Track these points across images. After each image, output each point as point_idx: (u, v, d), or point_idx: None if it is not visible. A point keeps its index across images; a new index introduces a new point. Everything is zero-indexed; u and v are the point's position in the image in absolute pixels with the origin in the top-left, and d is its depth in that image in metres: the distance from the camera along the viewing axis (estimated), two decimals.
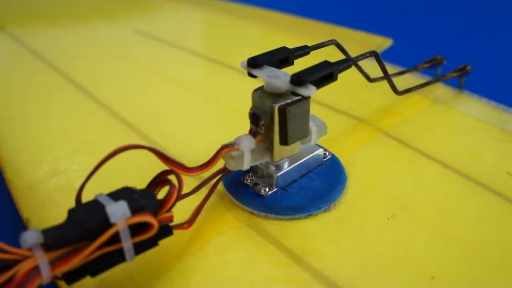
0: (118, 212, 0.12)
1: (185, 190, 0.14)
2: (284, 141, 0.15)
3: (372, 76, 0.21)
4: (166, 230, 0.14)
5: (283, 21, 0.38)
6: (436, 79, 0.23)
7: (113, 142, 0.21)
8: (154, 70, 0.29)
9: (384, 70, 0.19)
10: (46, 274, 0.11)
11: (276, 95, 0.15)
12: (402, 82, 0.24)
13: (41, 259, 0.11)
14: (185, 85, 0.27)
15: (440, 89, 0.24)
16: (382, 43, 0.31)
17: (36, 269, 0.11)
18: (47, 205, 0.17)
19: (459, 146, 0.20)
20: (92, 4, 0.47)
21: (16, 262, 0.11)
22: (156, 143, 0.20)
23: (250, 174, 0.17)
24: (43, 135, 0.22)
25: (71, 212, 0.12)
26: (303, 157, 0.17)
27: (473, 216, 0.16)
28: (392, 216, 0.16)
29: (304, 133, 0.16)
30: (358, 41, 0.32)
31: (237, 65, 0.28)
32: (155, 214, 0.13)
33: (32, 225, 0.16)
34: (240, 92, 0.22)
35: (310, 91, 0.14)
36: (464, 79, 0.24)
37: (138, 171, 0.16)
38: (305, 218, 0.16)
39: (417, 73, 0.26)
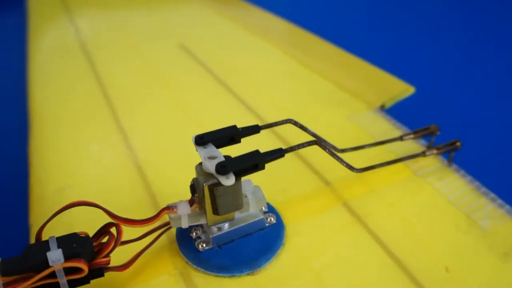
0: (55, 257, 0.16)
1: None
2: (215, 212, 0.18)
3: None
4: (98, 272, 0.17)
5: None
6: (412, 156, 0.23)
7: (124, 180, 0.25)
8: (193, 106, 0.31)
9: (331, 153, 0.20)
10: None
11: (211, 174, 0.17)
12: (396, 147, 0.25)
13: None
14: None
15: (428, 160, 0.24)
16: (403, 90, 0.31)
17: None
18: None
19: (411, 231, 0.20)
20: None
21: None
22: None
23: (197, 228, 0.20)
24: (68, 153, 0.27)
25: (26, 248, 0.16)
26: (244, 222, 0.20)
27: None
28: None
29: (237, 206, 0.18)
30: (379, 82, 0.32)
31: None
32: (90, 259, 0.17)
33: (32, 229, 0.21)
34: None
35: (229, 181, 0.17)
36: (453, 154, 0.24)
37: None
38: (229, 277, 0.18)
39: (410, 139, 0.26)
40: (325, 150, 0.20)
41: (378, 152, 0.25)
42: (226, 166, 0.17)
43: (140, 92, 0.33)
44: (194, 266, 0.19)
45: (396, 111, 0.30)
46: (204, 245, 0.19)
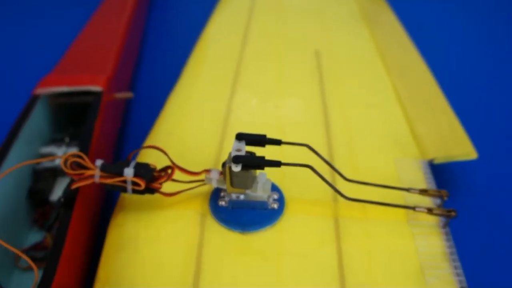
0: (128, 172, 0.27)
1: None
2: (230, 184, 0.27)
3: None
4: (151, 191, 0.28)
5: None
6: (405, 206, 0.28)
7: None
8: None
9: (322, 178, 0.27)
10: (96, 179, 0.27)
11: None
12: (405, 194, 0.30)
13: (96, 172, 0.27)
14: None
15: (426, 215, 0.29)
16: (465, 153, 0.34)
17: (93, 176, 0.27)
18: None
19: (368, 263, 0.26)
20: None
21: (88, 168, 0.27)
22: None
23: (225, 191, 0.29)
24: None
25: (118, 161, 0.28)
26: (253, 199, 0.28)
27: None
28: None
29: (246, 187, 0.27)
30: (449, 137, 0.35)
31: None
32: (148, 181, 0.27)
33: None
34: None
35: (236, 168, 0.25)
36: (449, 221, 0.28)
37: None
38: (227, 229, 0.27)
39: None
40: (316, 174, 0.26)
41: (386, 192, 0.30)
42: (238, 158, 0.25)
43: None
44: (211, 214, 0.28)
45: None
46: (223, 203, 0.28)
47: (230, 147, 0.28)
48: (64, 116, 0.41)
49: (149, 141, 0.35)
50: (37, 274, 0.24)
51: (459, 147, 0.35)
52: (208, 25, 0.53)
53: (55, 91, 0.37)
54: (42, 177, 0.36)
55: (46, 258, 0.32)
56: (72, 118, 0.41)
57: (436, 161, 0.34)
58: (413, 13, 0.68)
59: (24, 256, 0.24)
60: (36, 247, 0.33)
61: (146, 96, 0.49)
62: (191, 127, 0.36)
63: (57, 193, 0.35)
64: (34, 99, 0.37)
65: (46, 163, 0.36)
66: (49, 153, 0.37)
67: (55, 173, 0.36)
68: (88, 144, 0.32)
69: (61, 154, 0.37)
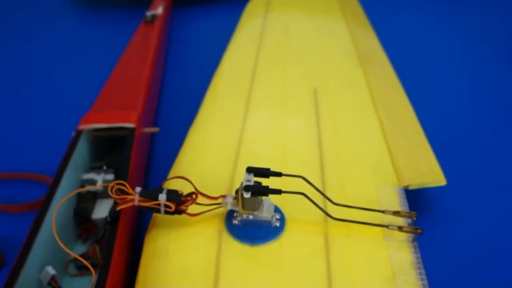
0: (161, 198, 0.34)
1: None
2: (242, 208, 0.34)
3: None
4: (179, 212, 0.35)
5: None
6: (382, 225, 0.35)
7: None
8: None
9: (314, 203, 0.34)
10: (136, 202, 0.35)
11: None
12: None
13: (136, 197, 0.35)
14: None
15: (399, 233, 0.36)
16: (436, 181, 0.41)
17: (134, 199, 0.35)
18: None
19: (350, 268, 0.33)
20: None
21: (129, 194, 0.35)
22: None
23: (237, 212, 0.36)
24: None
25: (153, 189, 0.35)
26: (260, 218, 0.35)
27: None
28: None
29: (254, 209, 0.34)
30: (424, 166, 0.42)
31: None
32: (177, 204, 0.35)
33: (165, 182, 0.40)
34: None
35: (247, 195, 0.32)
36: (416, 236, 0.35)
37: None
38: (239, 243, 0.34)
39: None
40: (309, 200, 0.34)
41: (366, 213, 0.37)
42: (248, 188, 0.33)
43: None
44: (226, 230, 0.35)
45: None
46: (236, 222, 0.35)
47: (241, 174, 0.35)
48: (99, 146, 0.48)
49: (174, 170, 0.42)
50: (94, 276, 0.31)
51: (431, 175, 0.42)
52: (220, 65, 0.61)
53: (95, 127, 0.45)
54: (84, 199, 0.43)
55: (93, 265, 0.39)
56: (106, 148, 0.48)
57: (411, 187, 0.41)
58: (401, 39, 0.77)
59: (86, 263, 0.31)
60: (83, 255, 0.40)
61: (165, 128, 0.56)
62: (209, 158, 0.43)
63: (97, 213, 0.42)
64: (78, 134, 0.44)
65: (92, 183, 0.43)
66: (90, 178, 0.44)
67: (95, 195, 0.43)
68: (126, 173, 0.39)
69: (100, 180, 0.44)
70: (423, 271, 0.33)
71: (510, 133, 0.56)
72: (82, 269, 0.39)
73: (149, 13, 0.70)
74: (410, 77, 0.62)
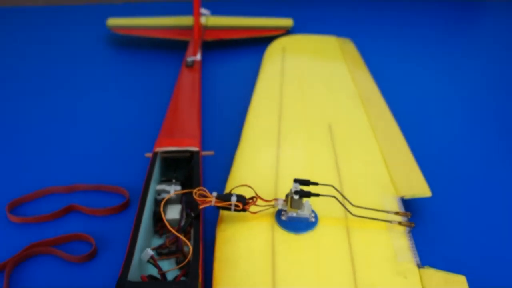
0: (233, 199, 0.48)
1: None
2: (290, 207, 0.48)
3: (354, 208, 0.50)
4: (244, 210, 0.49)
5: None
6: (386, 220, 0.50)
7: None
8: None
9: (340, 202, 0.49)
10: (213, 203, 0.49)
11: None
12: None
13: (213, 199, 0.49)
14: None
15: (399, 226, 0.50)
16: (423, 192, 0.56)
17: (211, 201, 0.49)
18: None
19: (366, 252, 0.48)
20: None
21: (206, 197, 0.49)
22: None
23: (285, 210, 0.50)
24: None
25: (225, 193, 0.49)
26: (301, 216, 0.49)
27: None
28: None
29: (299, 207, 0.48)
30: (414, 182, 0.57)
31: None
32: (243, 204, 0.49)
33: (226, 188, 0.54)
34: None
35: (296, 197, 0.47)
36: (411, 229, 0.50)
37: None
38: (287, 232, 0.49)
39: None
40: (337, 200, 0.48)
41: (376, 212, 0.52)
42: (297, 192, 0.47)
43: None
44: (277, 223, 0.50)
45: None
46: (284, 218, 0.50)
47: (281, 185, 0.49)
48: (165, 165, 0.62)
49: (230, 183, 0.57)
50: (191, 249, 0.45)
51: (420, 189, 0.57)
52: (252, 101, 0.76)
53: (167, 150, 0.59)
54: (159, 205, 0.57)
55: (168, 253, 0.52)
56: (171, 166, 0.62)
57: (405, 198, 0.56)
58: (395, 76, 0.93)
59: (188, 243, 0.45)
60: (161, 246, 0.53)
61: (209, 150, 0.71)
62: (256, 174, 0.58)
63: (169, 214, 0.56)
64: (155, 154, 0.59)
65: (162, 195, 0.57)
66: (162, 189, 0.58)
67: (167, 201, 0.57)
68: (198, 184, 0.54)
69: (172, 190, 0.58)
70: (416, 252, 0.48)
71: (484, 153, 0.73)
72: (162, 255, 0.53)
73: (189, 59, 0.85)
74: (401, 110, 0.78)
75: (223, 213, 0.52)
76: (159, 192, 0.58)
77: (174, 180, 0.60)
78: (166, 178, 0.61)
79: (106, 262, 0.54)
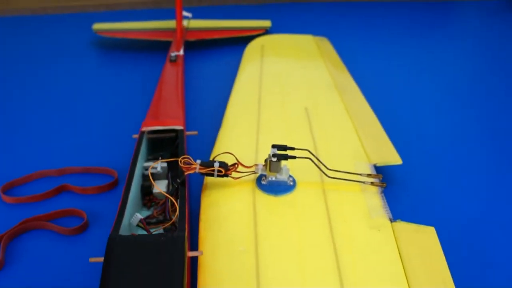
0: (216, 165, 0.52)
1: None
2: (269, 170, 0.52)
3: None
4: (226, 175, 0.53)
5: None
6: (362, 181, 0.54)
7: None
8: None
9: (318, 166, 0.52)
10: (197, 169, 0.52)
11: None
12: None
13: (197, 166, 0.52)
14: None
15: (372, 187, 0.54)
16: (394, 160, 0.60)
17: (195, 168, 0.52)
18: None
19: (341, 207, 0.51)
20: None
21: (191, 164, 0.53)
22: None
23: (265, 175, 0.54)
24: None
25: (209, 160, 0.53)
26: (280, 179, 0.53)
27: None
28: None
29: (277, 171, 0.52)
30: (385, 151, 0.61)
31: None
32: (225, 170, 0.52)
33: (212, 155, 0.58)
34: None
35: (274, 159, 0.51)
36: (382, 189, 0.54)
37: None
38: (266, 194, 0.52)
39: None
40: (315, 164, 0.52)
41: (350, 175, 0.55)
42: (275, 155, 0.51)
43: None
44: (258, 188, 0.53)
45: None
46: (264, 182, 0.53)
47: (261, 155, 0.53)
48: (151, 145, 0.66)
49: (214, 153, 0.60)
50: (177, 208, 0.48)
51: (391, 157, 0.61)
52: (233, 89, 0.80)
53: (153, 129, 0.63)
54: (147, 179, 0.60)
55: (157, 222, 0.55)
56: (155, 148, 0.66)
57: (378, 165, 0.60)
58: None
59: (174, 202, 0.49)
60: (149, 217, 0.56)
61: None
62: (238, 147, 0.61)
63: (156, 188, 0.59)
64: (141, 134, 0.62)
65: (150, 170, 0.60)
66: (149, 165, 0.61)
67: (154, 176, 0.60)
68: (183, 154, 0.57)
69: (158, 166, 0.61)
70: (388, 209, 0.52)
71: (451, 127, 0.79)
72: (151, 224, 0.55)
73: (173, 54, 0.89)
74: (375, 98, 0.82)
75: (207, 180, 0.56)
76: (146, 168, 0.61)
77: (160, 158, 0.63)
78: (152, 157, 0.64)
79: (97, 235, 0.57)
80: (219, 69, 1.04)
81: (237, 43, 1.15)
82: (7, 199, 0.61)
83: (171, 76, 0.81)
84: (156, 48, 1.15)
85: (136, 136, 0.64)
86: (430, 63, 1.09)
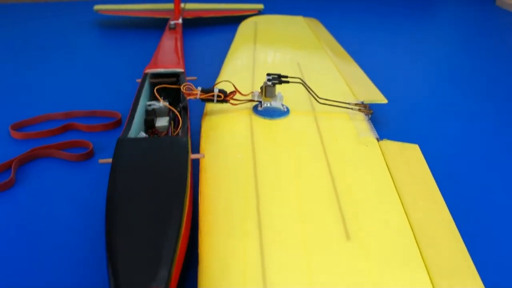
0: (216, 91, 0.56)
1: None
2: (264, 96, 0.56)
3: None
4: (225, 101, 0.57)
5: None
6: (350, 107, 0.58)
7: None
8: None
9: (309, 92, 0.57)
10: (198, 95, 0.56)
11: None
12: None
13: (198, 92, 0.57)
14: None
15: (360, 115, 0.59)
16: (380, 99, 0.65)
17: (197, 94, 0.57)
18: None
19: (331, 131, 0.56)
20: None
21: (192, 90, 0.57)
22: None
23: (261, 102, 0.58)
24: None
25: (210, 87, 0.57)
26: (275, 106, 0.57)
27: None
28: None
29: (272, 96, 0.56)
30: (371, 92, 0.66)
31: None
32: (225, 97, 0.57)
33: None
34: None
35: (269, 83, 0.55)
36: (370, 116, 0.58)
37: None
38: (262, 118, 0.56)
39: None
40: (306, 89, 0.57)
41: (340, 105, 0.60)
42: (270, 79, 0.55)
43: None
44: (254, 113, 0.57)
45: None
46: (259, 108, 0.58)
47: (257, 86, 0.58)
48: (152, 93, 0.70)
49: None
50: (180, 122, 0.52)
51: (377, 96, 0.66)
52: (229, 53, 0.85)
53: (156, 71, 0.67)
54: (150, 114, 0.64)
55: None
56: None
57: (364, 102, 0.64)
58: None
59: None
60: None
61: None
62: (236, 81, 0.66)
63: (158, 123, 0.63)
64: (145, 75, 0.66)
65: (152, 106, 0.64)
66: (152, 103, 0.65)
67: (155, 112, 0.64)
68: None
69: (160, 103, 0.65)
70: (375, 132, 0.56)
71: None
72: None
73: (172, 22, 0.95)
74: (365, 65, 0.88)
75: (207, 108, 0.60)
76: (149, 105, 0.65)
77: (162, 97, 0.67)
78: (155, 98, 0.68)
79: (101, 164, 0.60)
80: (214, 42, 1.08)
81: (231, 23, 1.20)
82: (15, 134, 0.65)
83: (171, 37, 0.86)
84: (155, 25, 1.21)
85: (139, 80, 0.68)
86: (412, 34, 1.16)
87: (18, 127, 0.68)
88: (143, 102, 0.63)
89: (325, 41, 0.98)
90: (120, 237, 0.35)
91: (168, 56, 0.74)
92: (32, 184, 0.56)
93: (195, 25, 1.22)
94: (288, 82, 0.57)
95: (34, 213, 0.50)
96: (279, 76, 0.57)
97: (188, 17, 1.18)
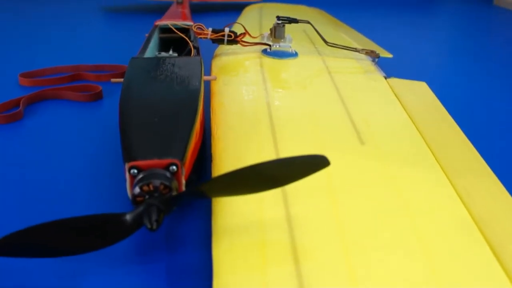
0: (226, 30, 0.57)
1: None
2: (274, 37, 0.57)
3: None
4: (236, 42, 0.57)
5: None
6: (357, 50, 0.59)
7: None
8: None
9: (319, 34, 0.58)
10: (208, 35, 0.57)
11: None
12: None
13: (209, 32, 0.57)
14: None
15: (367, 60, 0.60)
16: (387, 54, 0.66)
17: (207, 33, 0.57)
18: None
19: (344, 74, 0.56)
20: None
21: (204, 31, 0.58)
22: None
23: (268, 46, 0.59)
24: None
25: (221, 28, 0.58)
26: (284, 47, 0.58)
27: None
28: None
29: (281, 37, 0.57)
30: (368, 44, 0.67)
31: None
32: (235, 36, 0.57)
33: None
34: None
35: (278, 22, 0.56)
36: (376, 60, 0.59)
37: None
38: (271, 58, 0.57)
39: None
40: (316, 31, 0.58)
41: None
42: (279, 18, 0.56)
43: None
44: (263, 54, 0.58)
45: None
46: (269, 50, 0.58)
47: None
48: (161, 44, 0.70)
49: None
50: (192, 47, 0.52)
51: (382, 51, 0.67)
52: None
53: (166, 23, 0.68)
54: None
55: None
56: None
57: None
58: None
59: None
60: None
61: None
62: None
63: None
64: (154, 27, 0.67)
65: (163, 53, 0.64)
66: (161, 54, 0.66)
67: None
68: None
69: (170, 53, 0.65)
70: (382, 72, 0.57)
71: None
72: None
73: None
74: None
75: (217, 51, 0.60)
76: (159, 53, 0.65)
77: (171, 49, 0.68)
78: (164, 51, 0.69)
79: (111, 104, 0.60)
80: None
81: (236, 11, 1.23)
82: (24, 81, 0.65)
83: (179, 7, 0.88)
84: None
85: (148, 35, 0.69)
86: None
87: (27, 77, 0.68)
88: (151, 52, 0.64)
89: (329, 20, 0.99)
90: (135, 127, 0.35)
91: (177, 15, 0.75)
92: (40, 120, 0.56)
93: (199, 11, 1.25)
94: (297, 22, 0.58)
95: (42, 142, 0.50)
96: (288, 18, 0.58)
97: (195, 0, 1.20)
